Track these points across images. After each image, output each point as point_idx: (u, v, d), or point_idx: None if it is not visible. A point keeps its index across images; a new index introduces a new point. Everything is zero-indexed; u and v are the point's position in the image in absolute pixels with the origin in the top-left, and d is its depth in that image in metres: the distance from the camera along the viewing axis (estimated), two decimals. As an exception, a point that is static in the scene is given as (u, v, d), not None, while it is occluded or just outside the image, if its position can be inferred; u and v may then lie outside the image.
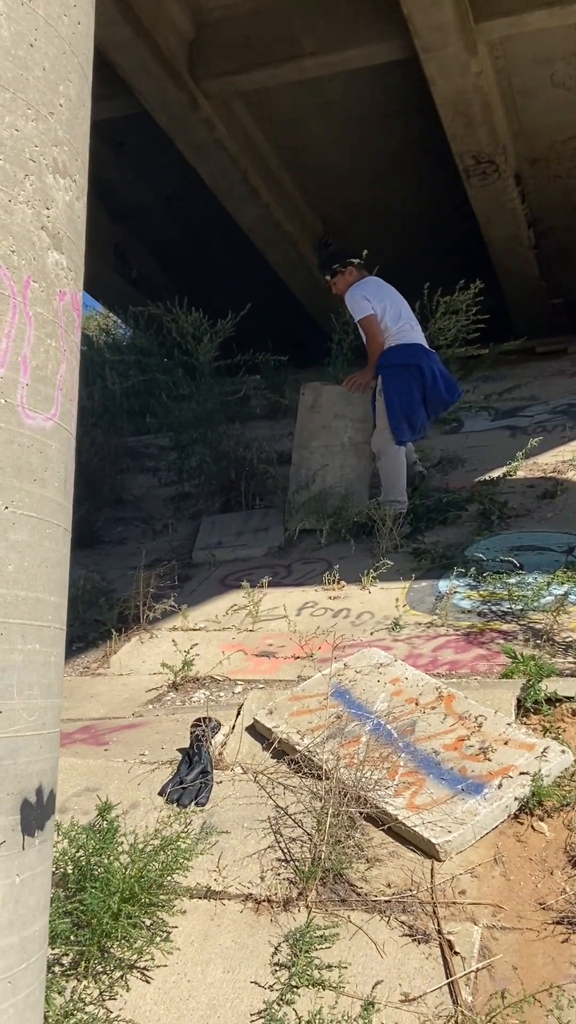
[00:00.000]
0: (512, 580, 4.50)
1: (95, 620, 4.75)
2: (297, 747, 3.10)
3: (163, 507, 6.77)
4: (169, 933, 2.42)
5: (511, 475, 6.09)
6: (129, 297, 10.47)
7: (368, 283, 6.03)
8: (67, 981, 2.31)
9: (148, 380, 6.96)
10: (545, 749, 2.86)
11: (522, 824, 2.75)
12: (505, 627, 4.15)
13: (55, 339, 1.85)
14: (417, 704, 3.22)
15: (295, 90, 9.30)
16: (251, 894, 2.56)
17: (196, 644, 4.13)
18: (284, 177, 10.70)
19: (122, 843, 2.51)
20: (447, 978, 2.26)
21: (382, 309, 5.83)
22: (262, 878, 2.59)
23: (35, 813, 1.72)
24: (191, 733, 3.17)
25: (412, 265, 9.54)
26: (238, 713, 3.48)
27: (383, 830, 2.77)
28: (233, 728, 3.39)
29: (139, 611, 4.60)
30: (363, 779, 2.82)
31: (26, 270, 1.77)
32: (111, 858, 2.43)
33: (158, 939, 2.36)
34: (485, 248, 10.75)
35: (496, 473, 6.18)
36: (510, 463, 6.11)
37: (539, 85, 9.19)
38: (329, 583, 4.89)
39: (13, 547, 1.71)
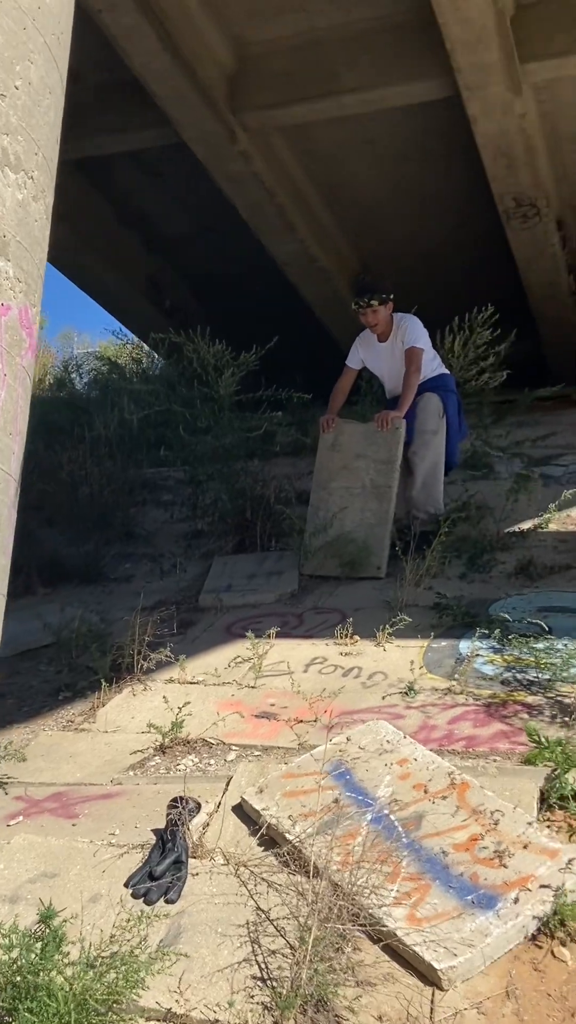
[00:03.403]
0: (540, 645, 4.11)
1: (88, 667, 4.41)
2: (287, 836, 2.72)
3: (175, 544, 6.46)
4: (115, 1068, 2.05)
5: (543, 527, 5.72)
6: (161, 328, 10.27)
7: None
8: None
9: (165, 411, 6.68)
10: (571, 860, 2.46)
11: (541, 948, 2.35)
12: (530, 699, 3.75)
13: (-9, 361, 1.54)
14: (426, 792, 2.83)
15: (336, 126, 9.12)
16: (218, 1020, 2.18)
17: (190, 701, 3.77)
18: (322, 213, 10.51)
19: (69, 952, 2.14)
20: None
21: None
22: (231, 1002, 2.20)
23: None
24: (167, 815, 2.81)
25: (450, 306, 9.24)
26: (226, 788, 3.11)
27: (380, 946, 2.38)
28: (219, 806, 3.03)
29: (133, 660, 4.25)
30: (358, 883, 2.44)
31: (-46, 276, 1.46)
32: (53, 973, 2.06)
33: (100, 1077, 1.99)
34: (524, 292, 10.46)
35: (527, 525, 5.81)
36: (542, 514, 5.75)
37: (585, 132, 8.93)
38: (341, 637, 4.53)
39: None
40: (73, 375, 13.08)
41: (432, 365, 5.84)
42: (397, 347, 5.69)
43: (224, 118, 8.63)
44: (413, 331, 5.67)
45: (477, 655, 4.18)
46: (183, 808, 2.80)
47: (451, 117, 8.52)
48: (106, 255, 11.29)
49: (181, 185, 10.55)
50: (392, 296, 5.74)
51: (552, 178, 9.35)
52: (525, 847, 2.54)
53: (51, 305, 34.12)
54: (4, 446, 1.57)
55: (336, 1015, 2.19)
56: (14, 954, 2.06)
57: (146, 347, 11.80)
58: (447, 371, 6.07)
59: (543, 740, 3.07)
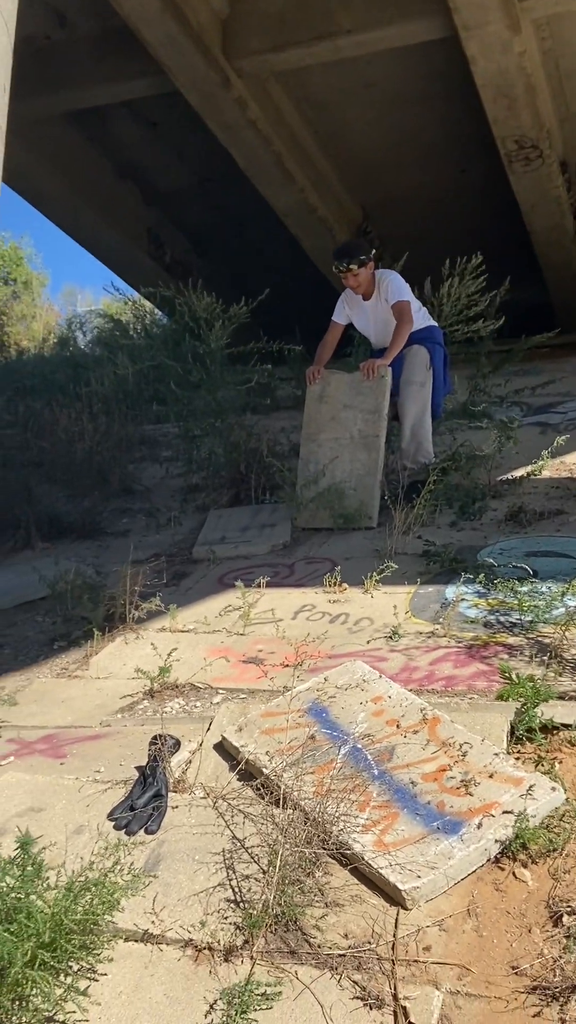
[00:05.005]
0: (524, 588, 4.17)
1: (82, 618, 4.52)
2: (264, 770, 2.83)
3: (171, 499, 6.54)
4: (92, 983, 2.18)
5: (536, 474, 5.76)
6: (163, 282, 10.32)
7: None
8: (-25, 1033, 2.07)
9: (160, 366, 6.72)
10: (532, 786, 2.56)
11: (503, 870, 2.46)
12: (511, 640, 3.83)
13: None
14: (398, 727, 2.93)
15: (333, 70, 9.01)
16: (192, 940, 2.30)
17: (177, 648, 3.86)
18: (321, 161, 10.41)
19: (49, 878, 2.26)
20: (397, 1053, 1.98)
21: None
22: (203, 922, 2.32)
23: None
24: (148, 752, 2.92)
25: (454, 254, 9.16)
26: (208, 728, 3.22)
27: (349, 870, 2.49)
28: (201, 744, 3.14)
29: (126, 610, 4.35)
30: (329, 812, 2.54)
31: None
32: (34, 896, 2.18)
33: (77, 991, 2.10)
34: (529, 237, 10.35)
35: (520, 472, 5.85)
36: (535, 462, 5.79)
37: (589, 69, 8.76)
38: (330, 585, 4.61)
39: None
40: (76, 333, 13.08)
41: (418, 316, 5.84)
42: (381, 304, 5.72)
43: (218, 64, 8.52)
44: (396, 286, 5.71)
45: (462, 599, 4.26)
46: (162, 745, 2.91)
47: (450, 58, 8.40)
48: (104, 209, 11.23)
49: (178, 135, 10.45)
50: (371, 256, 5.74)
51: (555, 119, 9.22)
52: (491, 776, 2.64)
53: (52, 262, 34.03)
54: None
55: (304, 933, 2.31)
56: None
57: (148, 303, 11.78)
58: (434, 323, 6.08)
59: (514, 677, 3.15)
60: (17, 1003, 2.10)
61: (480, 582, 4.28)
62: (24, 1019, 2.09)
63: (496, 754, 2.73)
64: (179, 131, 10.28)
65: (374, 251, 5.90)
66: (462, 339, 6.94)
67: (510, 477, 5.86)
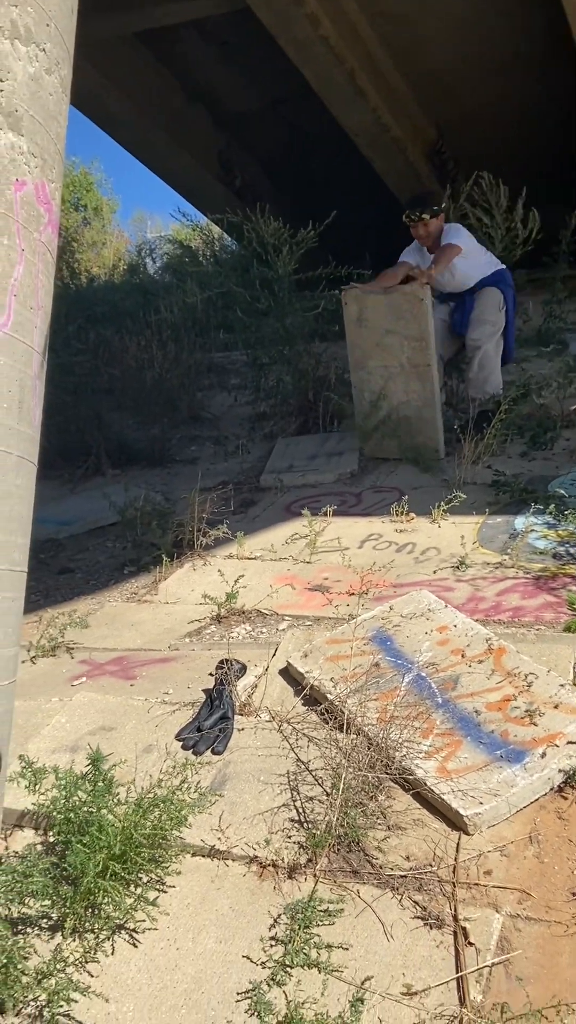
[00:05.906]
0: (595, 520, 4.10)
1: (151, 544, 4.59)
2: (328, 695, 2.87)
3: (239, 427, 6.55)
4: (160, 894, 2.26)
5: (612, 404, 5.61)
6: (232, 207, 10.14)
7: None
8: (51, 939, 2.18)
9: (225, 293, 6.67)
10: (598, 719, 2.55)
11: (566, 799, 2.46)
12: (581, 572, 3.78)
13: (7, 236, 1.59)
14: (463, 656, 2.93)
15: (408, -19, 8.62)
16: (256, 856, 2.37)
17: (244, 574, 3.91)
18: (395, 78, 10.03)
19: (119, 794, 2.34)
20: (456, 972, 2.02)
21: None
22: (268, 840, 2.39)
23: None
24: (214, 675, 2.98)
25: (530, 172, 8.83)
26: (274, 654, 3.27)
27: (411, 795, 2.52)
28: (267, 670, 3.19)
29: (194, 536, 4.41)
30: (391, 737, 2.57)
31: (-34, 153, 1.51)
32: (105, 811, 2.26)
33: (147, 901, 2.19)
34: (611, 155, 9.90)
35: (596, 401, 5.70)
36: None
37: None
38: (397, 515, 4.59)
39: None
40: (146, 260, 13.01)
41: (483, 260, 5.76)
42: None
43: (290, -22, 8.23)
44: (455, 234, 5.60)
45: (532, 530, 4.20)
46: (229, 669, 2.97)
47: (531, -34, 7.98)
48: (174, 133, 11.05)
49: (249, 56, 10.18)
50: (443, 208, 5.59)
51: None
52: (556, 707, 2.63)
53: (122, 188, 33.68)
54: (24, 320, 1.64)
55: (366, 854, 2.36)
56: (70, 791, 2.27)
57: (217, 229, 11.65)
58: (503, 266, 5.91)
59: (583, 609, 3.12)
60: (90, 911, 2.21)
61: (550, 513, 4.22)
62: (96, 926, 2.19)
63: (562, 685, 2.71)
64: (250, 51, 10.00)
65: (444, 203, 5.74)
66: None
67: (585, 406, 5.72)
